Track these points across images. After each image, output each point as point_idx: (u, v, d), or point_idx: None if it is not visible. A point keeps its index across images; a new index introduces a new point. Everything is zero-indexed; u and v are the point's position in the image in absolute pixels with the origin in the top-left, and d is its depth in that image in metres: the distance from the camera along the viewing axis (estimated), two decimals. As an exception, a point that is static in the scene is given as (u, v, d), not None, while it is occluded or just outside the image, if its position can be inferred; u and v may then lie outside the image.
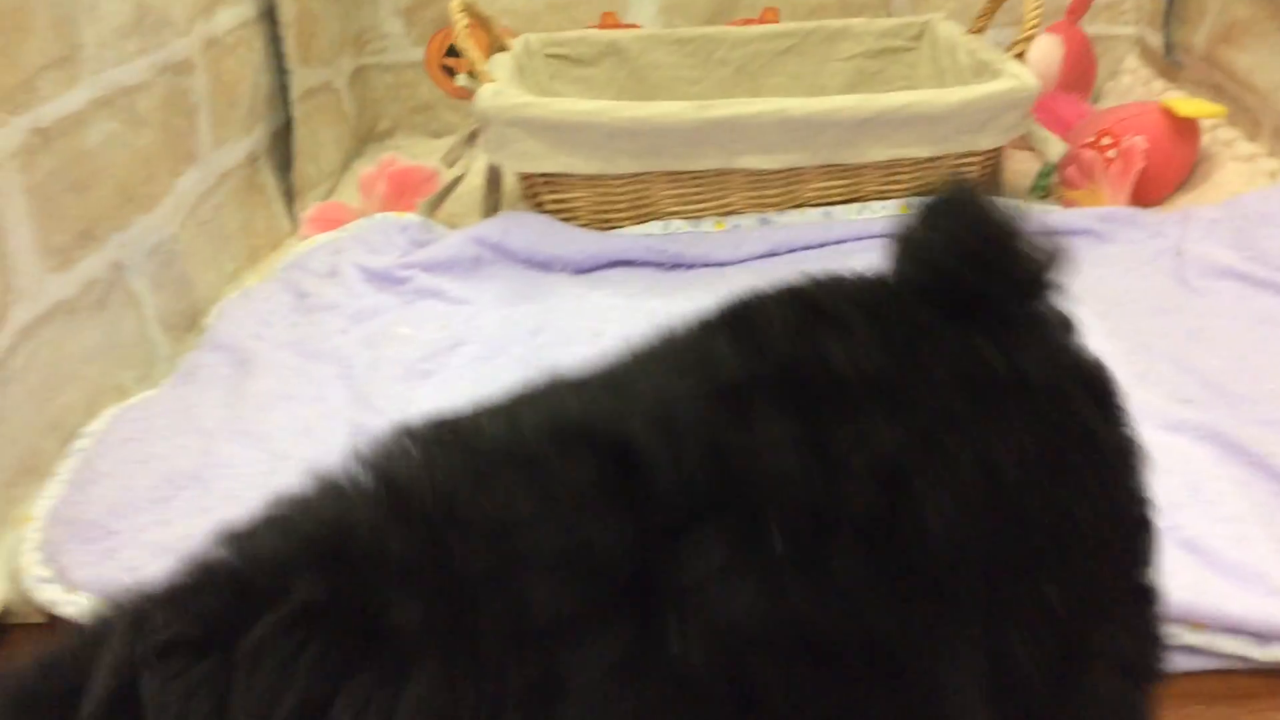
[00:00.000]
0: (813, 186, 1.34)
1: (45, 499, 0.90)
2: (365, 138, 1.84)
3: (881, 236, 1.34)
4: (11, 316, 0.89)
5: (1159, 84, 1.69)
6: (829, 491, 0.44)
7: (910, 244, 0.55)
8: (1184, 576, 0.78)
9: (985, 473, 0.47)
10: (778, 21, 1.75)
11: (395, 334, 1.14)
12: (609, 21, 1.80)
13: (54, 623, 0.83)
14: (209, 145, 1.26)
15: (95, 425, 0.99)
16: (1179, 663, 0.76)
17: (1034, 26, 1.36)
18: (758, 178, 1.32)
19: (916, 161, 1.32)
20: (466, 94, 1.42)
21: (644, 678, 0.41)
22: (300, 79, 1.50)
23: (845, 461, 0.45)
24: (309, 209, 1.45)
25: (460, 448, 0.47)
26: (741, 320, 0.52)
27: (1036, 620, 0.48)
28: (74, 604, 0.81)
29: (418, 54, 1.86)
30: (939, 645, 0.45)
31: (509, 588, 0.42)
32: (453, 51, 1.85)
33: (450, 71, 1.86)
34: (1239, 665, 0.76)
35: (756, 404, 0.46)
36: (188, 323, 1.18)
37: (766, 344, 0.49)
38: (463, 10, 1.38)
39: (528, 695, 0.40)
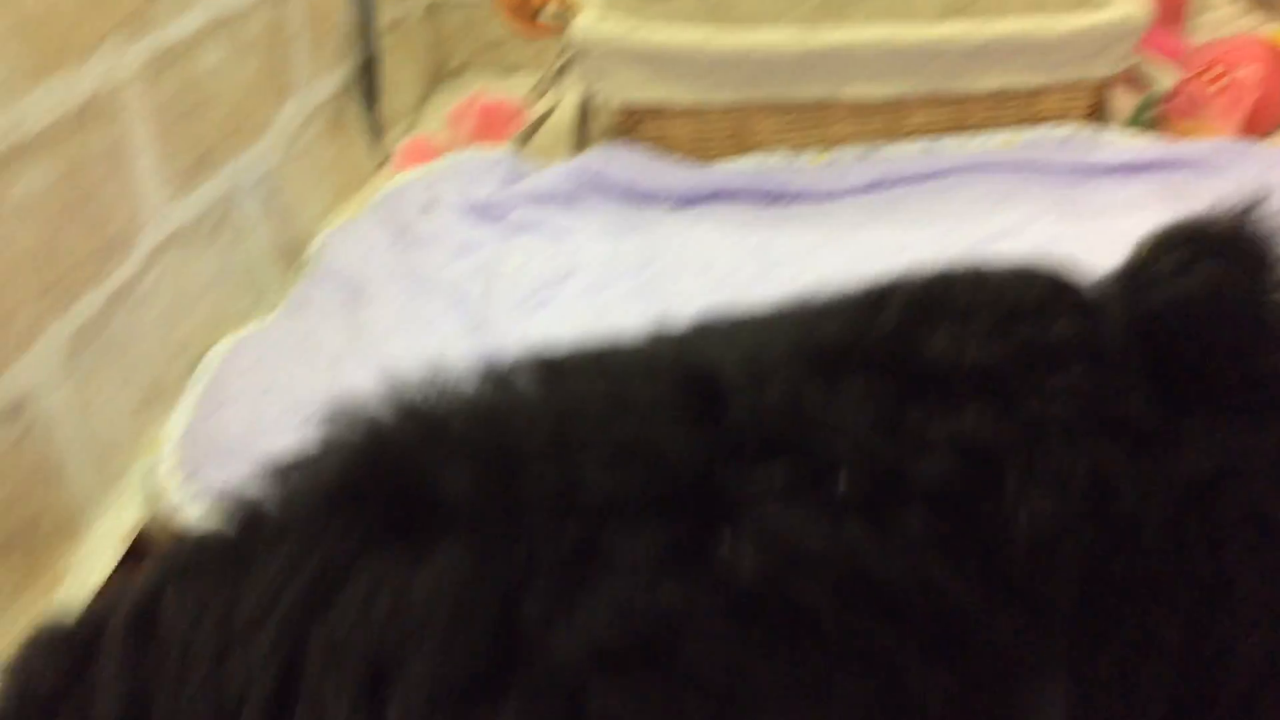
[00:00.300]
0: (917, 117, 1.31)
1: (177, 423, 0.90)
2: (437, 75, 1.82)
3: (987, 168, 1.30)
4: (140, 241, 0.88)
5: (1252, 18, 1.65)
6: (900, 454, 0.44)
7: (1138, 279, 0.52)
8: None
9: (1098, 490, 0.45)
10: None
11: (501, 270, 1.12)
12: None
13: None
14: (305, 77, 1.24)
15: (217, 351, 0.98)
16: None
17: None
18: (861, 108, 1.29)
19: (1025, 91, 1.29)
20: (538, 31, 1.40)
21: (689, 573, 0.41)
22: (385, 10, 1.48)
23: (923, 431, 0.45)
24: (398, 143, 1.43)
25: (546, 364, 0.48)
26: (870, 294, 0.52)
27: (1142, 657, 0.45)
28: (217, 526, 0.81)
29: (490, -12, 1.83)
30: (1018, 638, 0.44)
31: (564, 466, 0.43)
32: (526, -13, 1.81)
33: (522, 9, 1.83)
34: None
35: (847, 367, 0.47)
36: (292, 254, 1.17)
37: (881, 320, 0.49)
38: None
39: (566, 565, 0.41)
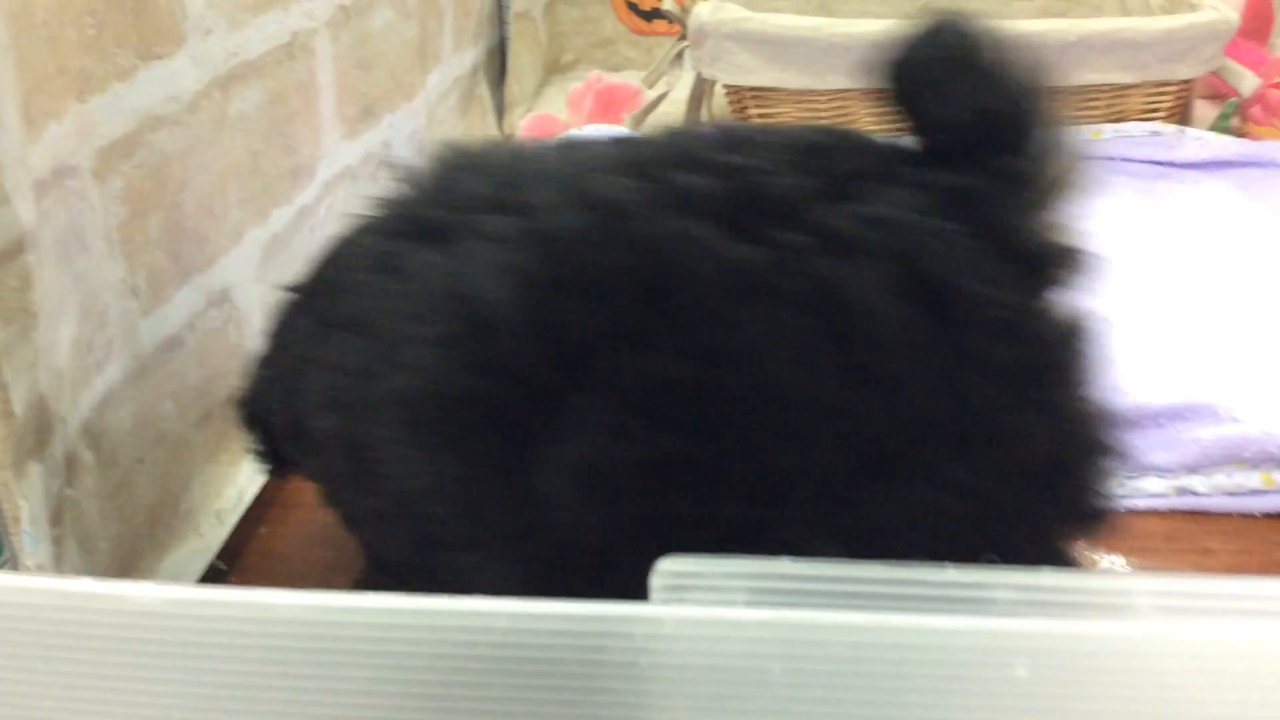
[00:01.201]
0: (1010, 109, 1.39)
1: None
2: (552, 67, 1.94)
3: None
4: (319, 171, 1.00)
5: (1340, 37, 1.71)
6: None
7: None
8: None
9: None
10: (960, -35, 1.80)
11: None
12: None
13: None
14: (449, 49, 1.36)
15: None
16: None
17: (1234, -38, 1.40)
18: (958, 99, 1.38)
19: (1113, 88, 1.37)
20: (647, 29, 1.50)
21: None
22: (514, 1, 1.60)
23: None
24: (521, 120, 1.55)
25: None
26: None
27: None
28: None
29: (605, -13, 1.95)
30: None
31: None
32: (638, -14, 1.93)
33: (634, 8, 1.94)
34: None
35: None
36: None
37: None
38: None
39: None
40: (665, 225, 0.52)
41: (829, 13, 1.66)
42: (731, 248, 0.51)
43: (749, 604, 0.44)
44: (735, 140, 0.57)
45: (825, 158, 0.55)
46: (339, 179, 1.05)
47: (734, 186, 0.53)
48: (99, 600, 0.43)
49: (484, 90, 1.54)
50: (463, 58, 1.43)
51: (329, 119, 1.01)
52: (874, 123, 1.40)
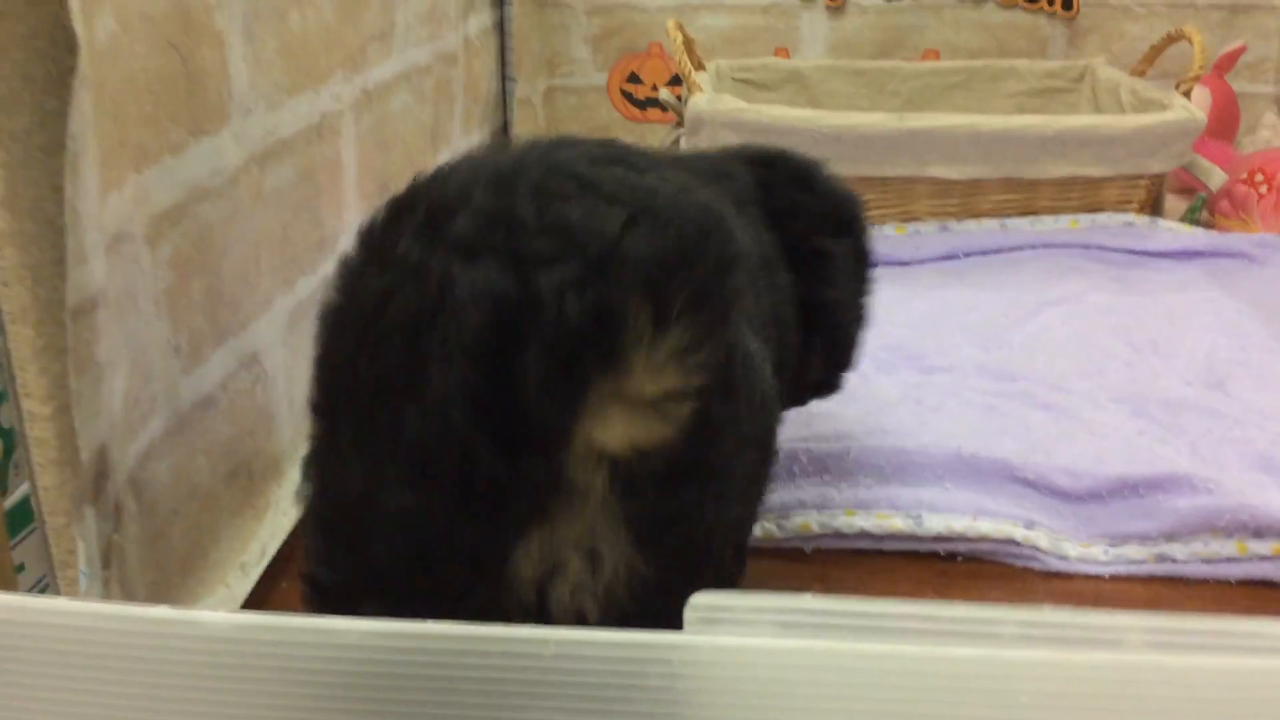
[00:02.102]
0: (991, 198, 1.47)
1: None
2: (549, 152, 2.01)
3: (1052, 246, 1.45)
4: (340, 243, 1.05)
5: (1300, 137, 1.81)
6: None
7: None
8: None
9: None
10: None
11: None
12: (780, 56, 1.95)
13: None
14: (459, 132, 1.42)
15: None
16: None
17: (1201, 67, 1.49)
18: (941, 187, 1.45)
19: (1089, 180, 1.45)
20: (640, 116, 1.57)
21: None
22: (519, 89, 1.67)
23: None
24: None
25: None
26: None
27: None
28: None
29: (601, 79, 2.03)
30: None
31: None
32: (633, 78, 2.02)
33: (629, 97, 2.03)
34: None
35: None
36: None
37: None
38: (677, 28, 1.54)
39: None
40: None
41: (816, 104, 1.74)
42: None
43: (776, 635, 0.48)
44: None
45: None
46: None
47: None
48: (176, 625, 0.47)
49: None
50: (470, 139, 1.49)
51: (351, 194, 1.07)
52: (862, 209, 1.47)
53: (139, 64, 0.72)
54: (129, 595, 0.69)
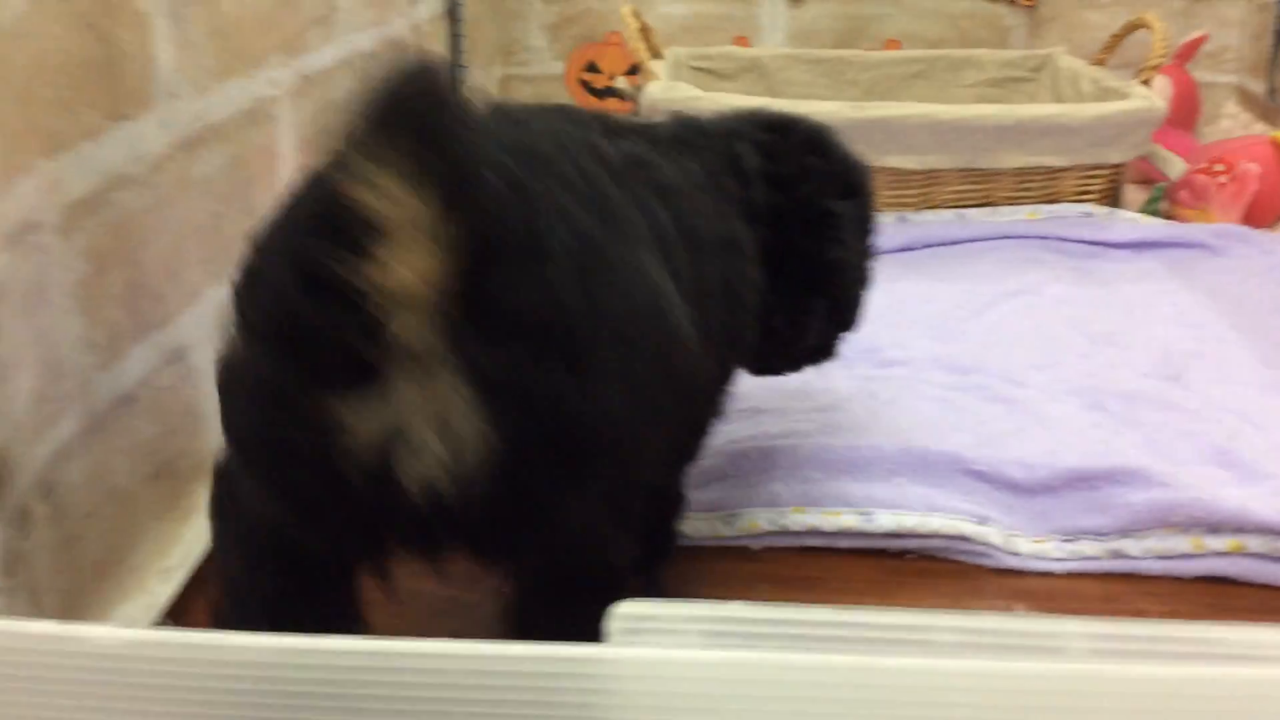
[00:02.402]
0: (949, 189, 1.45)
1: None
2: (505, 141, 1.98)
3: (1011, 237, 1.44)
4: (276, 233, 1.01)
5: (1259, 127, 1.80)
6: None
7: None
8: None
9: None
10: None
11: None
12: (740, 44, 1.93)
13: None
14: (406, 119, 1.39)
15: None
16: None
17: (1162, 56, 1.48)
18: (899, 178, 1.43)
19: (1048, 170, 1.43)
20: (599, 105, 1.54)
21: None
22: (469, 76, 1.64)
23: None
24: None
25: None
26: None
27: None
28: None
29: (558, 68, 2.00)
30: None
31: None
32: (592, 67, 1.99)
33: (587, 86, 2.00)
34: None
35: None
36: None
37: None
38: (632, 15, 1.51)
39: None
40: None
41: (775, 93, 1.72)
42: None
43: (703, 645, 0.45)
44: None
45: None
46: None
47: None
48: (59, 642, 0.44)
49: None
50: (419, 129, 1.46)
51: (288, 182, 1.03)
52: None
53: (52, 45, 0.68)
54: (37, 604, 0.65)
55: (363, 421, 0.50)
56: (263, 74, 0.96)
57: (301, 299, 0.49)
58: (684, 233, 0.67)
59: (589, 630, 0.49)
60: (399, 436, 0.50)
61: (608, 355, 0.53)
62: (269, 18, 0.98)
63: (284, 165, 1.02)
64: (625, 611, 0.45)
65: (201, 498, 0.90)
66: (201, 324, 0.89)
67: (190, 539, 0.86)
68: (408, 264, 0.47)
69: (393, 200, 0.46)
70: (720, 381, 0.77)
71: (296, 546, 0.57)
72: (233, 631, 0.44)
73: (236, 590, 0.61)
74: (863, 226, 0.88)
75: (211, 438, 0.91)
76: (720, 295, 0.70)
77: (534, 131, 0.62)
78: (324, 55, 1.10)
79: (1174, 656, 0.45)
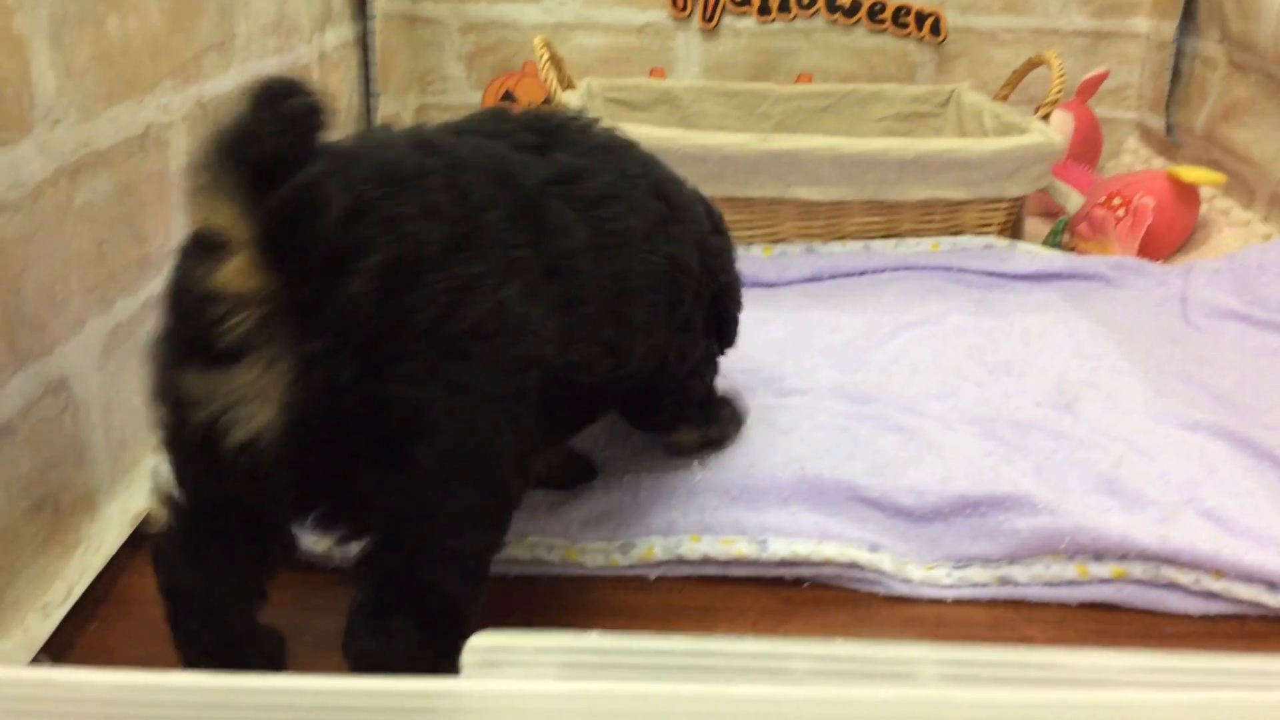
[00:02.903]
0: (855, 221, 1.47)
1: (184, 427, 1.00)
2: (421, 170, 1.97)
3: (914, 269, 1.46)
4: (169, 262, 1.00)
5: (1159, 162, 1.85)
6: None
7: None
8: (1205, 535, 0.89)
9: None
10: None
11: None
12: (656, 76, 1.95)
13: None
14: (312, 147, 1.38)
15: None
16: (1202, 607, 0.87)
17: (1059, 92, 1.52)
18: (806, 209, 1.45)
19: (949, 203, 1.46)
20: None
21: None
22: (382, 104, 1.63)
23: None
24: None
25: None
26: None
27: None
28: (219, 511, 0.91)
29: (475, 97, 2.00)
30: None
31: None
32: (508, 96, 1.99)
33: (504, 115, 2.00)
34: (1251, 611, 0.87)
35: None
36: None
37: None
38: (544, 46, 1.52)
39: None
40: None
41: (688, 125, 1.74)
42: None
43: (559, 677, 0.45)
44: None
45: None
46: (190, 270, 1.04)
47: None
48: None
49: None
50: (327, 157, 1.45)
51: (180, 211, 1.02)
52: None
53: (-80, 68, 0.67)
54: (-105, 642, 0.63)
55: (207, 394, 0.60)
56: (154, 100, 0.95)
57: (175, 295, 0.63)
58: (607, 237, 0.78)
59: (428, 645, 0.63)
60: (232, 408, 0.60)
61: (408, 354, 0.61)
62: (161, 43, 0.97)
63: (178, 192, 1.01)
64: (480, 644, 0.45)
65: (86, 531, 0.89)
66: (85, 353, 0.87)
67: (72, 575, 0.83)
68: (240, 273, 0.57)
69: (229, 221, 0.57)
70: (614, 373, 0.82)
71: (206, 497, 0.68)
72: (102, 670, 0.44)
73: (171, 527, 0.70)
74: (732, 257, 1.02)
75: (97, 470, 0.89)
76: (641, 291, 0.81)
77: (410, 156, 0.68)
78: (223, 80, 1.09)
79: (1025, 682, 0.45)
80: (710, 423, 1.00)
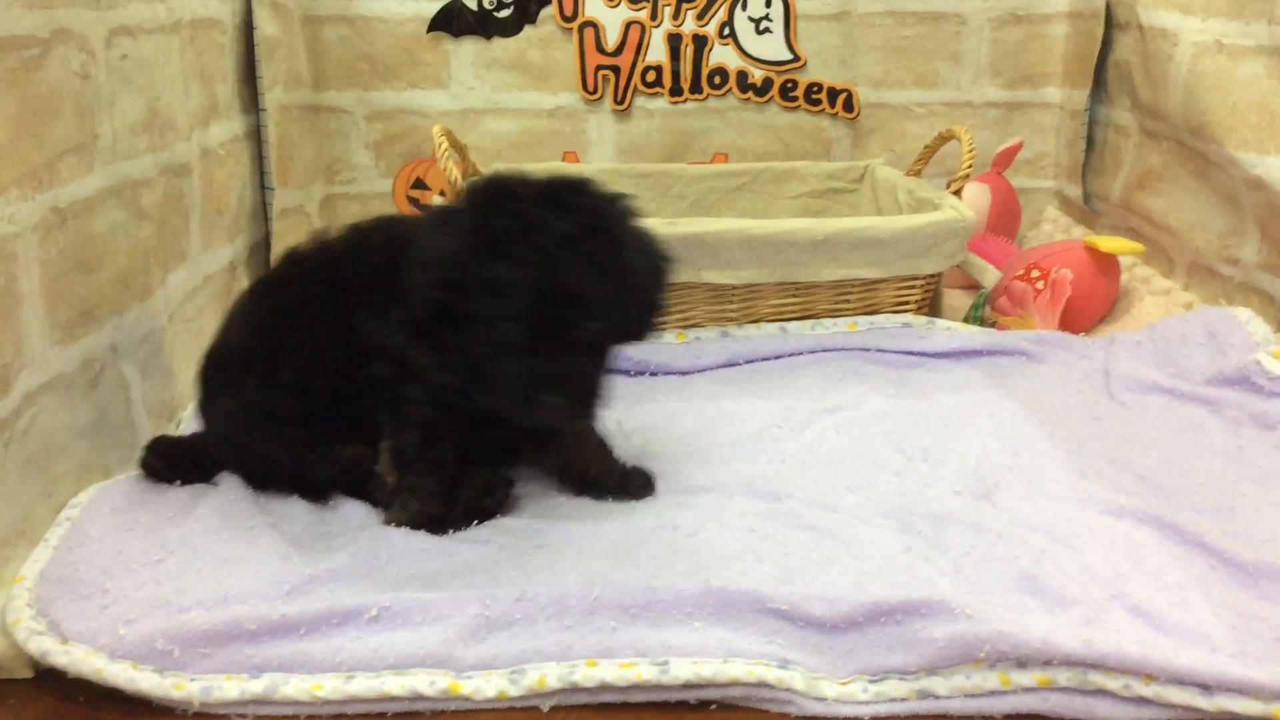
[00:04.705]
0: (770, 303, 1.43)
1: (36, 560, 0.92)
2: (331, 262, 1.90)
3: (832, 350, 1.41)
4: (19, 381, 0.92)
5: (1078, 230, 1.84)
6: None
7: None
8: (1133, 635, 0.84)
9: None
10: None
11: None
12: (570, 160, 1.91)
13: (43, 675, 0.84)
14: (198, 247, 1.31)
15: (83, 496, 1.01)
16: (1133, 714, 0.81)
17: (970, 166, 1.49)
18: (719, 293, 1.41)
19: (864, 282, 1.42)
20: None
21: None
22: (279, 198, 1.57)
23: None
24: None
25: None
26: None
27: None
28: (67, 654, 0.82)
29: (385, 185, 1.94)
30: None
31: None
32: (419, 184, 1.94)
33: (415, 203, 1.95)
34: (1186, 716, 0.81)
35: None
36: (168, 413, 1.21)
37: None
38: (443, 135, 1.47)
39: None
40: None
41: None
42: None
43: None
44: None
45: None
46: (49, 388, 0.97)
47: None
48: None
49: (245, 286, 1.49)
50: (217, 254, 1.38)
51: (34, 325, 0.95)
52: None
53: None
54: None
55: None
56: (-3, 210, 0.89)
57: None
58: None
59: None
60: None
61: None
62: (3, 150, 0.90)
63: (28, 306, 0.94)
64: None
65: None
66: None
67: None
68: None
69: None
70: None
71: None
72: None
73: None
74: None
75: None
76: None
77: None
78: (84, 185, 1.03)
79: None
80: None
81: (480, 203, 0.93)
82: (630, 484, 1.06)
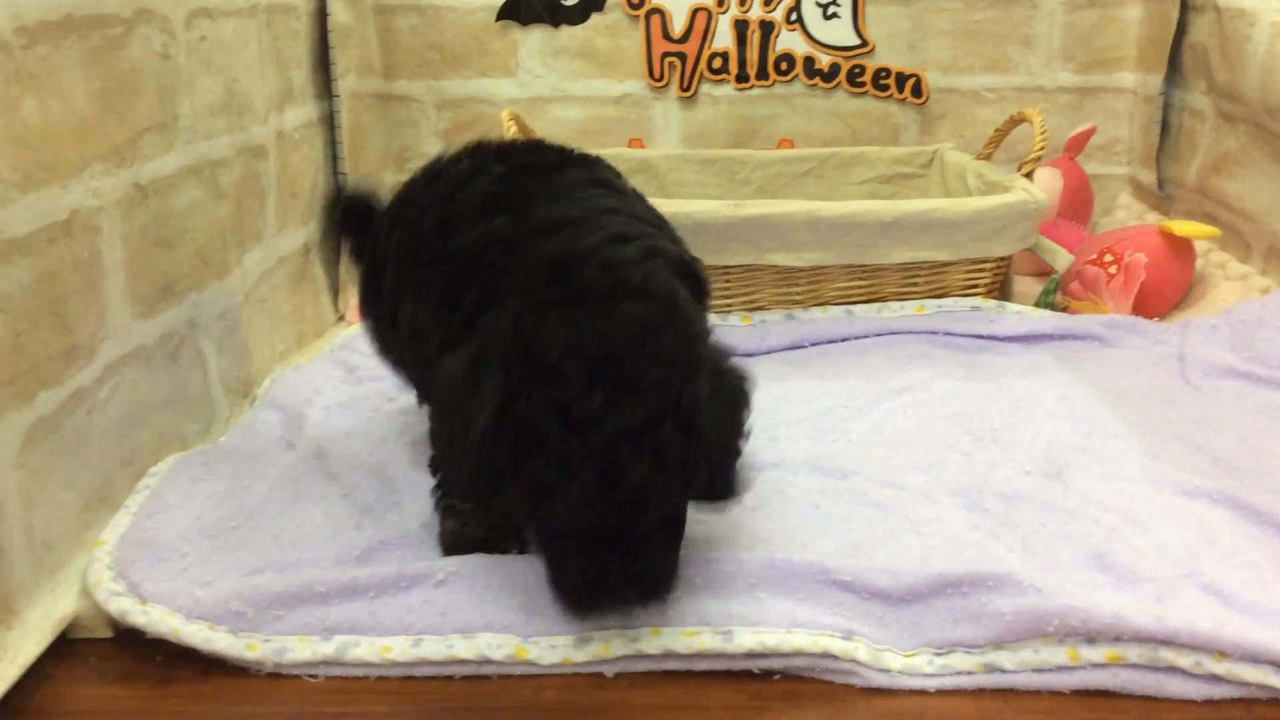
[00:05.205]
0: (836, 285, 1.42)
1: (116, 525, 0.95)
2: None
3: (898, 333, 1.40)
4: (102, 350, 0.95)
5: (1152, 217, 1.80)
6: None
7: None
8: (1206, 612, 0.82)
9: None
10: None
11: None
12: (635, 146, 1.92)
13: (121, 635, 0.87)
14: (273, 229, 1.34)
15: (162, 466, 1.04)
16: (1205, 691, 0.80)
17: (1041, 149, 1.48)
18: (785, 275, 1.41)
19: (933, 265, 1.41)
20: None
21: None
22: (352, 183, 1.60)
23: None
24: (354, 300, 1.53)
25: None
26: None
27: None
28: (145, 614, 0.85)
29: (454, 173, 1.96)
30: None
31: None
32: (487, 172, 1.96)
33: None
34: (1260, 694, 0.80)
35: None
36: (244, 389, 1.24)
37: None
38: (511, 119, 1.49)
39: None
40: None
41: (665, 193, 1.70)
42: None
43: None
44: None
45: None
46: (130, 359, 1.00)
47: None
48: None
49: (318, 270, 1.52)
50: (291, 237, 1.41)
51: (116, 297, 0.97)
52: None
53: None
54: None
55: None
56: (81, 184, 0.91)
57: None
58: None
59: None
60: None
61: None
62: (89, 126, 0.93)
63: (111, 279, 0.96)
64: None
65: (1, 639, 0.83)
66: (2, 449, 0.83)
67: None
68: None
69: None
70: None
71: None
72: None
73: None
74: None
75: (15, 574, 0.84)
76: None
77: None
78: (164, 163, 1.05)
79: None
80: None
81: (504, 363, 0.78)
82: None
